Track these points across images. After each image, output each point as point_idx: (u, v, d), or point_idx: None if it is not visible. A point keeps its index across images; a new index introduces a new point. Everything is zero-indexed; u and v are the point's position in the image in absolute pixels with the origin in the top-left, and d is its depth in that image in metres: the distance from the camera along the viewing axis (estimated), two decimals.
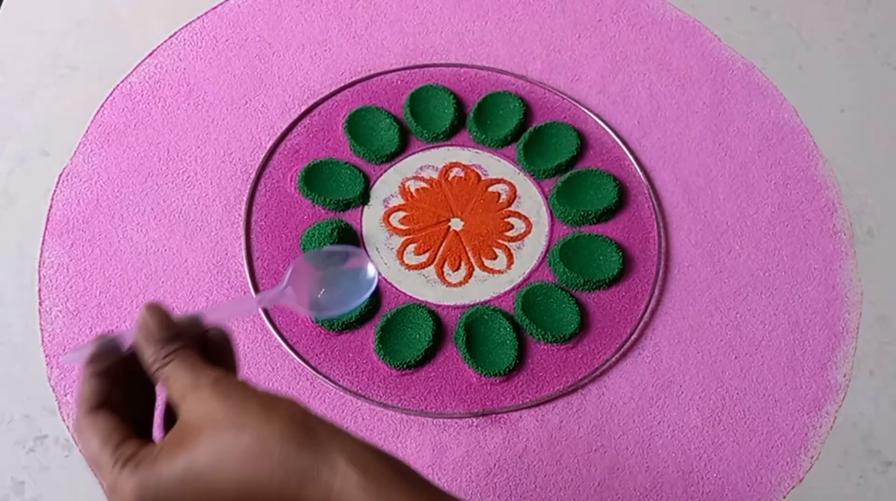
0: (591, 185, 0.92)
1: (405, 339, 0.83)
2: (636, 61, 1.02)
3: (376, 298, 0.86)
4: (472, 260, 0.88)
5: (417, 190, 0.92)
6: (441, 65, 1.00)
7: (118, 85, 0.97)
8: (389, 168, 0.93)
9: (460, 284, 0.87)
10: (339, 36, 1.02)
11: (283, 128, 0.94)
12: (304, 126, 0.95)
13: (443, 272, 0.87)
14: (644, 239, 0.91)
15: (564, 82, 1.00)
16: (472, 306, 0.86)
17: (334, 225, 0.87)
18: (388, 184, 0.92)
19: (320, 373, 0.81)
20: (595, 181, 0.92)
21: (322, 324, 0.83)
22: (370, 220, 0.90)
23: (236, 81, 0.98)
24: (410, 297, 0.86)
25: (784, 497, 0.79)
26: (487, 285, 0.87)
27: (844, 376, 0.85)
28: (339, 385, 0.81)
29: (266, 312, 0.83)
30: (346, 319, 0.83)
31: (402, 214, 0.90)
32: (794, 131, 0.98)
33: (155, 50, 0.99)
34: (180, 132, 0.94)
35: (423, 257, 0.88)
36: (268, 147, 0.93)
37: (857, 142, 0.98)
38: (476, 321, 0.84)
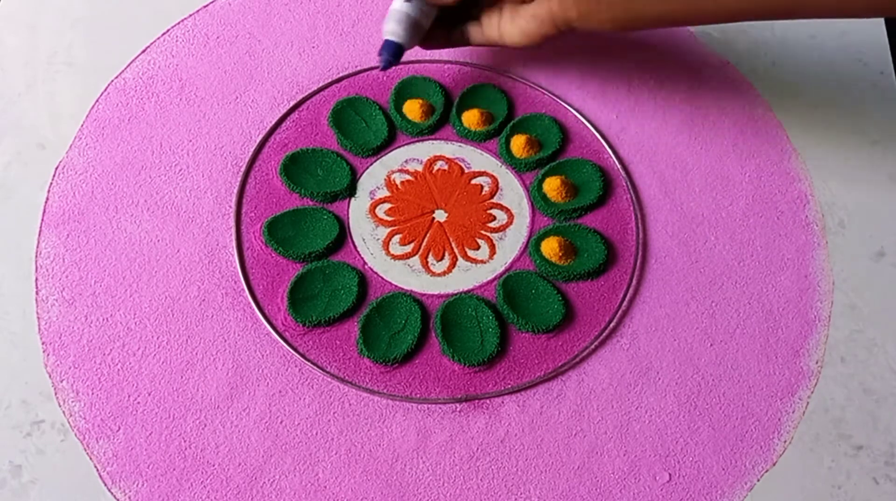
0: (573, 178, 0.94)
1: (389, 331, 0.84)
2: (615, 58, 1.04)
3: (363, 288, 0.87)
4: (456, 250, 0.90)
5: (403, 183, 0.93)
6: (425, 61, 1.02)
7: (112, 81, 0.98)
8: (375, 161, 0.94)
9: (444, 273, 0.89)
10: (326, 33, 1.03)
11: (273, 122, 0.96)
12: (293, 121, 0.97)
13: (427, 262, 0.89)
14: (622, 230, 0.92)
15: (545, 78, 1.02)
16: (455, 295, 0.87)
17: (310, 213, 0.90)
18: (375, 177, 0.93)
19: (308, 360, 0.83)
20: (578, 174, 0.94)
21: (305, 323, 0.85)
22: (357, 211, 0.91)
23: (227, 77, 0.99)
24: (396, 286, 0.87)
25: (758, 480, 0.80)
26: (470, 275, 0.89)
27: (817, 362, 0.86)
28: (327, 372, 0.82)
29: (257, 302, 0.85)
30: (331, 314, 0.85)
31: (387, 205, 0.92)
32: (768, 126, 1.00)
33: (148, 47, 1.01)
34: (172, 126, 0.95)
35: (408, 248, 0.90)
36: (257, 141, 0.95)
37: (829, 136, 1.00)
38: (458, 310, 0.86)
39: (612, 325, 0.87)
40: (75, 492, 0.76)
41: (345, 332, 0.85)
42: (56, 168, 0.92)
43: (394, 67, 0.98)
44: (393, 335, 0.84)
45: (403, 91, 0.98)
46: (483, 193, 0.93)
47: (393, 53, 0.88)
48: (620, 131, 0.98)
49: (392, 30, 0.87)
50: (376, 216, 0.91)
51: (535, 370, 0.84)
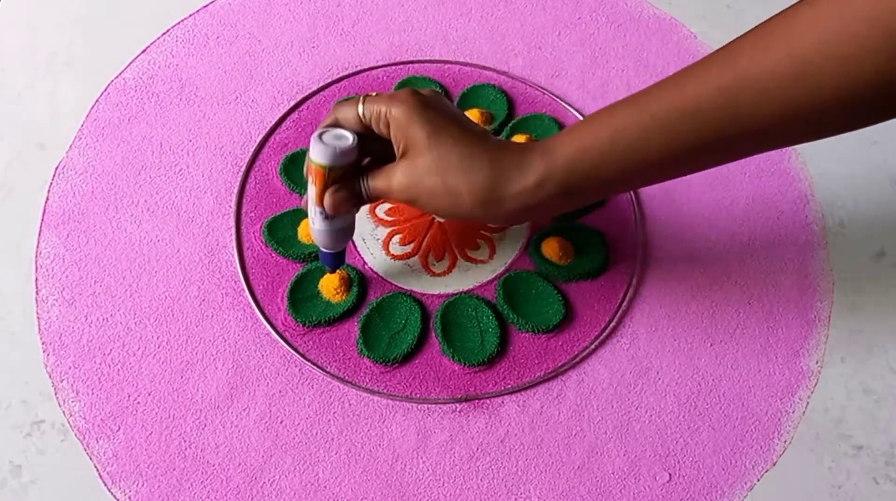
0: None
1: (389, 331, 0.85)
2: (615, 58, 1.04)
3: (363, 288, 0.87)
4: (456, 250, 0.90)
5: None
6: (425, 61, 1.02)
7: (112, 81, 0.98)
8: None
9: (444, 273, 0.89)
10: (326, 33, 1.03)
11: (273, 122, 0.96)
12: (293, 121, 0.97)
13: (427, 262, 0.89)
14: (622, 230, 0.92)
15: (545, 78, 1.02)
16: (455, 295, 0.88)
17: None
18: None
19: (308, 360, 0.83)
20: None
21: (305, 323, 0.85)
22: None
23: (227, 77, 0.99)
24: (396, 286, 0.87)
25: (758, 480, 0.81)
26: (470, 275, 0.89)
27: (817, 362, 0.87)
28: (327, 372, 0.82)
29: (257, 302, 0.85)
30: (331, 314, 0.85)
31: (387, 205, 0.92)
32: None
33: (148, 47, 1.01)
34: (173, 126, 0.95)
35: (408, 248, 0.90)
36: (257, 141, 0.95)
37: None
38: (458, 310, 0.86)
39: (612, 325, 0.87)
40: (75, 492, 0.76)
41: (345, 332, 0.85)
42: (56, 168, 0.92)
43: (393, 68, 0.99)
44: (393, 335, 0.84)
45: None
46: None
47: (336, 261, 0.82)
48: None
49: (325, 244, 0.80)
50: (376, 216, 0.91)
51: (535, 370, 0.84)
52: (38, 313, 0.84)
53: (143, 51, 1.00)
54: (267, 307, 0.85)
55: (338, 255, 0.82)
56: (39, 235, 0.88)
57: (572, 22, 1.06)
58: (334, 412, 0.81)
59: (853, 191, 0.97)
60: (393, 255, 0.89)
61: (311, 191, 0.75)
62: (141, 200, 0.90)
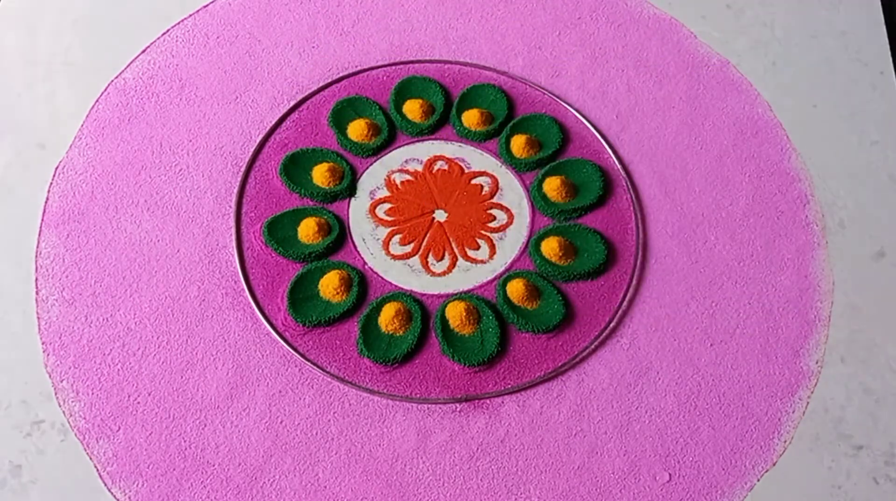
0: (573, 178, 0.94)
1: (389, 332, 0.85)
2: (615, 58, 1.04)
3: (363, 288, 0.87)
4: (456, 250, 0.90)
5: (403, 183, 0.93)
6: (425, 61, 1.01)
7: (112, 80, 0.98)
8: (375, 161, 0.94)
9: (444, 273, 0.88)
10: (326, 33, 1.03)
11: (273, 122, 0.96)
12: (293, 121, 0.97)
13: (427, 262, 0.89)
14: (622, 230, 0.92)
15: (545, 78, 1.01)
16: (455, 295, 0.87)
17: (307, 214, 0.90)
18: (375, 177, 0.93)
19: (308, 360, 0.83)
20: (578, 174, 0.94)
21: (305, 323, 0.84)
22: (357, 211, 0.91)
23: (227, 77, 0.99)
24: (396, 286, 0.87)
25: (758, 480, 0.80)
26: (470, 275, 0.89)
27: (817, 362, 0.86)
28: (327, 372, 0.82)
29: (257, 302, 0.85)
30: (331, 314, 0.85)
31: (387, 205, 0.92)
32: (768, 125, 1.00)
33: (148, 47, 1.01)
34: (172, 126, 0.95)
35: (408, 248, 0.90)
36: (257, 141, 0.95)
37: (829, 136, 0.99)
38: (458, 310, 0.86)
39: (612, 325, 0.87)
40: (75, 492, 0.76)
41: (345, 332, 0.85)
42: (56, 168, 0.92)
43: (393, 68, 0.99)
44: (393, 335, 0.84)
45: (403, 91, 0.98)
46: (483, 193, 0.93)
47: None
48: (620, 131, 0.98)
49: None
50: (376, 216, 0.91)
51: (535, 370, 0.84)
52: (38, 313, 0.84)
53: (143, 51, 1.00)
54: (267, 307, 0.85)
55: None
56: (39, 235, 0.88)
57: (572, 22, 1.06)
58: (334, 412, 0.81)
59: (853, 191, 0.96)
60: (393, 255, 0.89)
61: None
62: (141, 200, 0.90)
